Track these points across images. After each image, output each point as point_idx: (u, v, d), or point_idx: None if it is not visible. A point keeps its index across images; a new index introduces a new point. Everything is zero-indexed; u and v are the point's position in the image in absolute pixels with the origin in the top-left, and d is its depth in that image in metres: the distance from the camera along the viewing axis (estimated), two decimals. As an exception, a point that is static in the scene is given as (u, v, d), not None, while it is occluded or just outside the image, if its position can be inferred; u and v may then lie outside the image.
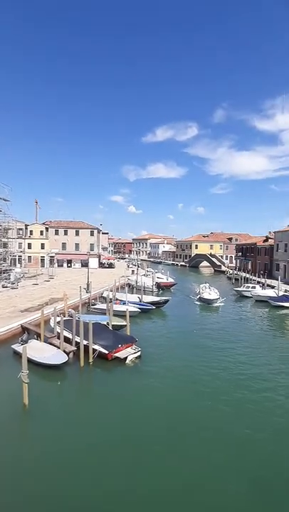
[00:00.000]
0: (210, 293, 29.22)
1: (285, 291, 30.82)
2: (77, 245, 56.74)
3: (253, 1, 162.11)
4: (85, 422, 9.34)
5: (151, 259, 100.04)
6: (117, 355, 13.89)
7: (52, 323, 16.87)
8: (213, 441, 8.40)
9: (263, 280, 39.19)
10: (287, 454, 8.02)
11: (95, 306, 23.76)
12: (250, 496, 6.58)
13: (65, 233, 56.71)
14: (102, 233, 69.60)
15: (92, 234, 57.95)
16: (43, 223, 58.25)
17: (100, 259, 59.74)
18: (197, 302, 28.84)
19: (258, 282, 38.58)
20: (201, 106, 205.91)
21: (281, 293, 30.33)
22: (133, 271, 47.17)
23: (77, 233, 57.10)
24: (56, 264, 54.44)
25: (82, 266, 53.57)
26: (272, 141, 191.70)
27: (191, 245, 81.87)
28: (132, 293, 29.72)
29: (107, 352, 13.76)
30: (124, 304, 23.06)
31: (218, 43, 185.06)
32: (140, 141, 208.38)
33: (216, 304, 27.76)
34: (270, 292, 31.33)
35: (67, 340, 14.98)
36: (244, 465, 7.55)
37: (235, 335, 18.80)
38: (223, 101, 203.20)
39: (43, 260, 54.43)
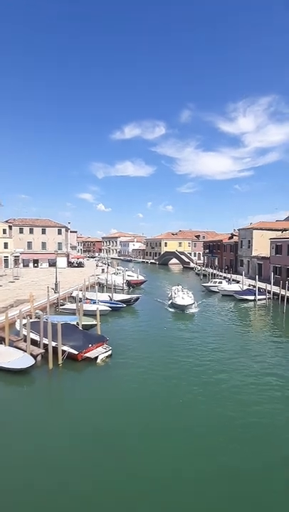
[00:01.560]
0: (183, 297, 24.94)
1: (249, 285, 32.62)
2: (44, 244, 54.59)
3: (222, 5, 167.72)
4: (54, 426, 9.06)
5: (122, 258, 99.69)
6: (87, 355, 13.67)
7: (18, 326, 16.08)
8: (184, 436, 8.61)
9: (228, 275, 41.12)
10: (256, 445, 8.51)
11: (63, 307, 23.10)
12: (220, 489, 6.89)
13: (31, 232, 54.23)
14: (71, 232, 67.71)
15: (59, 232, 56.12)
16: (6, 221, 55.06)
17: (68, 259, 58.11)
18: (169, 308, 24.67)
19: (225, 278, 40.40)
20: (168, 106, 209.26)
21: (245, 287, 32.07)
22: (103, 269, 46.64)
23: (43, 231, 54.90)
24: (22, 265, 51.87)
25: (50, 265, 51.73)
26: (236, 143, 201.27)
27: (160, 243, 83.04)
28: (103, 292, 29.45)
29: (76, 352, 13.47)
30: (94, 303, 22.73)
31: (186, 44, 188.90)
32: (108, 138, 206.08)
33: (190, 310, 23.84)
34: (235, 287, 32.98)
35: (34, 342, 14.41)
36: (215, 455, 7.89)
37: (204, 329, 19.48)
38: (189, 101, 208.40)
39: (6, 260, 51.49)
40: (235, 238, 50.17)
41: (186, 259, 69.93)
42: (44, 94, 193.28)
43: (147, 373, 12.51)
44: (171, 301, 25.66)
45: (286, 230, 38.71)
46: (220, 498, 6.49)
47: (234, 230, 56.84)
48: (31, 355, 13.32)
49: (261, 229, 42.22)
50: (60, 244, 55.11)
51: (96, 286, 28.73)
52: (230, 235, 55.28)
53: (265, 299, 28.93)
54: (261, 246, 40.41)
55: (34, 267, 53.36)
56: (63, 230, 56.64)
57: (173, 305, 24.67)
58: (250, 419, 9.36)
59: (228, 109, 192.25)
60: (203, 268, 52.83)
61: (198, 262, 71.40)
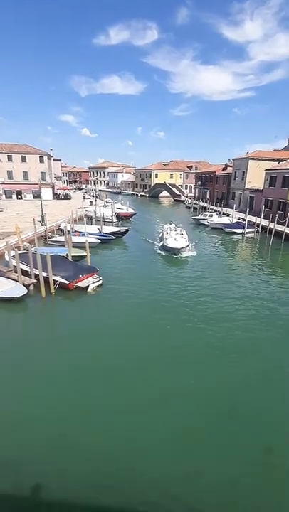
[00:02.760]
0: (176, 239, 21.67)
1: (239, 218, 32.59)
2: (25, 174, 50.70)
3: None
4: (51, 348, 9.74)
5: (110, 190, 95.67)
6: (78, 284, 14.03)
7: (7, 257, 15.94)
8: (173, 360, 9.24)
9: (219, 209, 40.65)
10: (241, 360, 9.49)
11: (52, 239, 22.80)
12: (208, 414, 7.77)
13: (9, 159, 49.56)
14: (54, 160, 62.39)
15: (41, 160, 51.61)
16: (-20, 147, 49.58)
17: (54, 190, 55.14)
18: (160, 251, 21.62)
19: (215, 211, 40.00)
20: (163, 1, 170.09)
21: (235, 220, 32.10)
22: (91, 202, 44.94)
23: (23, 159, 50.28)
24: (4, 196, 49.08)
25: (35, 197, 49.24)
26: (239, 55, 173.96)
27: (151, 174, 78.89)
28: (91, 224, 28.90)
29: (68, 282, 13.77)
30: (83, 235, 22.43)
31: None
32: (90, 43, 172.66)
33: (184, 254, 20.82)
34: (225, 220, 32.96)
35: (25, 273, 14.52)
36: (202, 383, 8.70)
37: (192, 261, 19.97)
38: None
39: (-13, 191, 48.39)
40: (229, 169, 47.86)
41: (177, 192, 67.86)
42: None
43: (137, 301, 13.11)
44: (162, 242, 22.20)
45: (283, 161, 36.83)
46: (214, 409, 7.41)
47: (229, 160, 53.75)
48: (23, 285, 13.54)
49: (258, 159, 39.95)
50: (43, 174, 51.32)
51: (84, 219, 27.99)
52: (224, 166, 52.55)
53: (253, 232, 29.31)
54: (255, 178, 38.94)
55: (18, 198, 50.71)
56: (45, 157, 51.99)
57: (164, 247, 21.46)
58: (235, 337, 10.32)
59: (233, 10, 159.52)
60: (194, 201, 51.75)
61: (189, 195, 69.54)
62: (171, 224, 25.92)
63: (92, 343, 9.88)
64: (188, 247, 21.36)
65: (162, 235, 23.84)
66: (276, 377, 8.54)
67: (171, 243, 20.98)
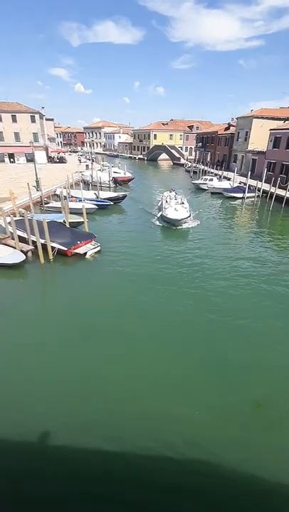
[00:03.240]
0: (176, 208, 19.83)
1: (240, 182, 31.67)
2: (16, 135, 47.90)
3: None
4: (51, 312, 10.07)
5: (107, 153, 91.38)
6: (76, 251, 14.07)
7: (3, 224, 15.73)
8: (171, 326, 9.46)
9: (220, 172, 39.29)
10: (238, 324, 9.88)
11: (48, 205, 22.32)
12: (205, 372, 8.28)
13: (-1, 119, 46.48)
14: (47, 119, 58.56)
15: (33, 120, 48.40)
16: None
17: (47, 153, 52.64)
18: (158, 223, 19.76)
19: (216, 175, 38.71)
20: None
21: (236, 184, 31.22)
22: (87, 166, 43.18)
23: (14, 119, 47.13)
24: (-4, 160, 47.00)
25: (28, 161, 47.19)
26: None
27: (149, 135, 74.71)
28: (88, 189, 28.13)
29: (66, 249, 13.79)
30: (80, 201, 21.93)
31: None
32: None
33: (185, 226, 19.32)
34: (225, 184, 32.05)
35: (22, 240, 14.47)
36: (199, 338, 9.18)
37: (192, 230, 19.61)
38: None
39: (-22, 154, 46.18)
40: (232, 130, 45.25)
41: (177, 155, 64.95)
42: None
43: (135, 267, 13.26)
44: (161, 212, 20.17)
45: (289, 119, 34.71)
46: (208, 360, 7.94)
47: (232, 119, 50.65)
48: (21, 251, 13.57)
49: (262, 117, 37.59)
50: (35, 135, 48.50)
51: (81, 184, 27.11)
52: (226, 126, 49.63)
53: (253, 196, 28.69)
54: (259, 139, 37.02)
55: (11, 162, 48.61)
56: (37, 116, 48.70)
57: (163, 218, 19.66)
58: (232, 296, 10.67)
59: None
60: (194, 164, 49.81)
61: (189, 157, 66.73)
62: (171, 192, 24.08)
63: (91, 308, 10.19)
64: (189, 218, 19.64)
65: (161, 203, 21.92)
66: (268, 327, 8.99)
67: (170, 213, 19.11)
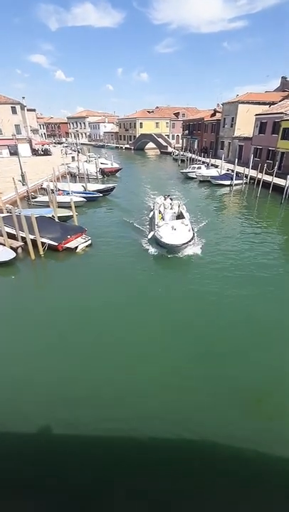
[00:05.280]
0: (174, 227, 13.70)
1: (227, 169, 31.76)
2: (-3, 127, 46.28)
3: None
4: (45, 308, 10.08)
5: (93, 143, 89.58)
6: (67, 245, 13.99)
7: (-10, 222, 15.42)
8: (163, 308, 9.79)
9: (207, 160, 39.22)
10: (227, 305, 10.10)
11: (36, 200, 21.96)
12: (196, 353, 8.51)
13: (-22, 111, 44.69)
14: (28, 110, 56.64)
15: (14, 111, 46.75)
16: None
17: (31, 145, 51.21)
18: (150, 249, 13.77)
19: (204, 162, 38.64)
20: None
21: (223, 172, 31.31)
22: (73, 157, 42.31)
23: (-7, 110, 45.42)
24: (-22, 154, 45.44)
25: (12, 154, 45.81)
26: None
27: (135, 124, 73.47)
28: (76, 182, 27.70)
29: (56, 244, 13.70)
30: (68, 194, 21.63)
31: None
32: None
33: (186, 252, 13.24)
34: (213, 172, 32.11)
35: (11, 237, 14.26)
36: (192, 325, 9.40)
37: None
38: None
39: None
40: (218, 116, 44.95)
41: (164, 143, 64.31)
42: None
43: (127, 259, 13.26)
44: (153, 233, 13.74)
45: (275, 104, 34.70)
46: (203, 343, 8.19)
47: (218, 105, 50.30)
48: (11, 248, 13.41)
49: (248, 102, 37.43)
50: (17, 127, 46.96)
51: (68, 176, 26.68)
52: (212, 112, 49.21)
53: (241, 183, 28.88)
54: (245, 124, 36.96)
55: (-7, 156, 47.10)
56: (18, 107, 47.04)
57: (157, 241, 13.38)
58: (222, 283, 10.90)
59: None
60: (182, 152, 49.49)
61: (176, 145, 66.13)
62: (165, 199, 18.17)
63: (84, 302, 10.22)
64: (192, 241, 13.24)
65: (153, 215, 16.16)
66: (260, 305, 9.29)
67: (166, 237, 12.97)
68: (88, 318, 9.35)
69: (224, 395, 6.69)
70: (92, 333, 8.63)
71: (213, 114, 47.97)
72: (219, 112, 45.29)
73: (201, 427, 6.03)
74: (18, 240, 14.15)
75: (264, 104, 36.89)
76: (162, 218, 16.07)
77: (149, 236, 14.24)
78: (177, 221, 14.92)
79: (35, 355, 7.86)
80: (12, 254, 12.81)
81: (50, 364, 7.51)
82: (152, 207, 18.43)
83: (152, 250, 13.66)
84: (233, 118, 39.11)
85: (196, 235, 14.27)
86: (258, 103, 37.19)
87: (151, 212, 17.04)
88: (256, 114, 33.58)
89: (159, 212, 16.59)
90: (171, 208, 17.01)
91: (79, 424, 6.06)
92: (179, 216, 16.47)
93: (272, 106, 34.53)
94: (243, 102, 37.56)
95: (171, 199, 18.31)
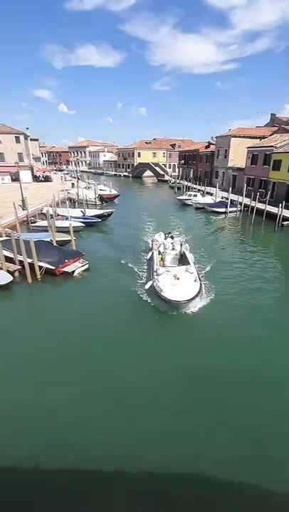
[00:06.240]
0: (178, 276, 11.21)
1: (222, 197, 32.91)
2: (1, 155, 48.09)
3: None
4: (40, 334, 9.91)
5: (92, 171, 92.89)
6: (64, 269, 14.05)
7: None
8: (163, 340, 9.74)
9: (203, 188, 40.73)
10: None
11: (35, 224, 22.32)
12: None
13: (-17, 140, 46.68)
14: (31, 140, 59.31)
15: (18, 140, 48.93)
16: None
17: (33, 172, 52.94)
18: (147, 298, 11.59)
19: (199, 190, 40.09)
20: None
21: (218, 199, 32.42)
22: (73, 184, 43.69)
23: (-2, 139, 47.50)
24: (-20, 179, 46.73)
25: (13, 180, 47.18)
26: (222, 22, 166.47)
27: (133, 153, 76.90)
28: (74, 207, 28.37)
29: (54, 267, 13.77)
30: (66, 219, 22.08)
31: None
32: (63, 8, 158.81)
33: (192, 309, 10.79)
34: (208, 199, 33.23)
35: (9, 260, 14.34)
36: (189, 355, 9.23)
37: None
38: None
39: None
40: (212, 148, 47.46)
41: (161, 172, 66.92)
42: None
43: (125, 284, 13.19)
44: (152, 282, 11.28)
45: (265, 138, 36.89)
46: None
47: (211, 138, 53.21)
48: (8, 271, 13.42)
49: (240, 136, 39.78)
50: (20, 154, 48.88)
51: (67, 202, 27.37)
52: (207, 144, 51.99)
53: (236, 211, 29.81)
54: (238, 156, 38.97)
55: (-5, 182, 48.44)
56: (22, 137, 49.32)
57: (157, 294, 10.70)
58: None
59: None
60: (178, 181, 51.42)
61: (173, 174, 68.82)
62: (166, 238, 15.91)
63: (80, 327, 10.09)
64: (199, 294, 10.77)
65: (151, 256, 13.81)
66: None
67: (168, 290, 10.42)
68: (83, 347, 9.00)
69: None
70: (83, 365, 8.25)
71: (208, 146, 50.64)
72: (213, 144, 47.87)
73: (202, 474, 5.74)
74: (15, 264, 14.21)
75: (255, 138, 39.20)
76: (162, 260, 14.03)
77: (147, 286, 11.42)
78: (180, 268, 12.41)
79: (25, 381, 7.61)
80: (9, 278, 12.80)
81: (39, 395, 7.23)
82: (150, 245, 15.94)
83: (150, 301, 11.32)
84: (226, 150, 41.29)
85: (203, 284, 11.82)
86: (249, 137, 39.52)
87: (150, 253, 14.44)
88: (248, 147, 35.55)
89: (159, 252, 14.36)
90: (172, 249, 14.63)
91: (71, 459, 5.76)
92: (182, 258, 14.12)
93: (262, 140, 36.67)
94: (235, 136, 39.91)
95: (172, 237, 16.34)
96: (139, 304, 11.41)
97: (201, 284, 11.44)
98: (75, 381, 7.68)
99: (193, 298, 10.28)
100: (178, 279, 11.08)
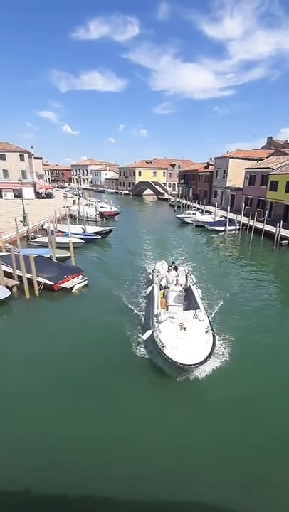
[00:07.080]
0: (185, 327, 8.66)
1: (221, 216, 33.40)
2: (5, 172, 49.31)
3: None
4: (36, 350, 9.73)
5: (94, 188, 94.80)
6: (63, 285, 14.00)
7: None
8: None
9: (202, 207, 41.45)
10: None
11: (35, 240, 22.49)
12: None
13: (-12, 157, 48.04)
14: (35, 158, 61.05)
15: (22, 158, 50.35)
16: None
17: (35, 189, 54.03)
18: (147, 354, 9.17)
19: (198, 209, 40.76)
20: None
21: (217, 218, 32.90)
22: (74, 201, 44.47)
23: (2, 157, 48.86)
24: (-17, 195, 47.59)
25: (16, 196, 48.05)
26: (220, 53, 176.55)
27: (134, 172, 78.85)
28: (75, 224, 28.70)
29: (52, 283, 13.73)
30: (66, 235, 22.27)
31: None
32: (70, 37, 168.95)
33: (201, 373, 8.21)
34: (207, 218, 33.70)
35: (8, 275, 14.31)
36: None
37: (179, 257, 20.20)
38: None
39: None
40: (211, 168, 48.79)
41: (161, 190, 68.30)
42: None
43: (123, 301, 13.07)
44: (151, 332, 8.78)
45: (262, 160, 38.04)
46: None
47: (210, 159, 54.79)
48: (6, 287, 13.37)
49: (237, 158, 41.03)
50: (24, 172, 50.09)
51: (68, 218, 27.71)
52: (206, 165, 53.48)
53: (234, 229, 30.17)
54: (236, 176, 39.98)
55: (-2, 198, 49.31)
56: (26, 155, 50.79)
57: (158, 351, 8.20)
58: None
59: (214, 5, 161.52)
60: (178, 199, 52.38)
61: (172, 192, 70.20)
62: (169, 270, 13.36)
63: (78, 344, 9.92)
64: (213, 351, 8.23)
65: (152, 292, 11.63)
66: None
67: (172, 347, 8.08)
68: (81, 366, 8.77)
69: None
70: (85, 385, 8.06)
71: (207, 167, 52.05)
72: (212, 165, 49.24)
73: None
74: (14, 279, 14.18)
75: (252, 159, 40.42)
76: (164, 297, 11.51)
77: (146, 336, 8.79)
78: (188, 313, 9.85)
79: (19, 399, 7.39)
80: (6, 293, 12.74)
81: (34, 415, 7.01)
82: (150, 276, 13.98)
83: (149, 356, 9.11)
84: (224, 171, 42.42)
85: (216, 335, 9.07)
86: (247, 158, 40.76)
87: (150, 288, 12.17)
88: (246, 168, 36.56)
89: (160, 287, 12.17)
90: (176, 283, 11.93)
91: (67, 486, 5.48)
92: (188, 294, 11.86)
93: (259, 161, 37.79)
94: (233, 157, 41.16)
95: (176, 268, 13.66)
96: (134, 351, 9.43)
97: (214, 335, 8.83)
98: (67, 400, 7.46)
99: (206, 359, 7.75)
100: (185, 329, 8.66)
